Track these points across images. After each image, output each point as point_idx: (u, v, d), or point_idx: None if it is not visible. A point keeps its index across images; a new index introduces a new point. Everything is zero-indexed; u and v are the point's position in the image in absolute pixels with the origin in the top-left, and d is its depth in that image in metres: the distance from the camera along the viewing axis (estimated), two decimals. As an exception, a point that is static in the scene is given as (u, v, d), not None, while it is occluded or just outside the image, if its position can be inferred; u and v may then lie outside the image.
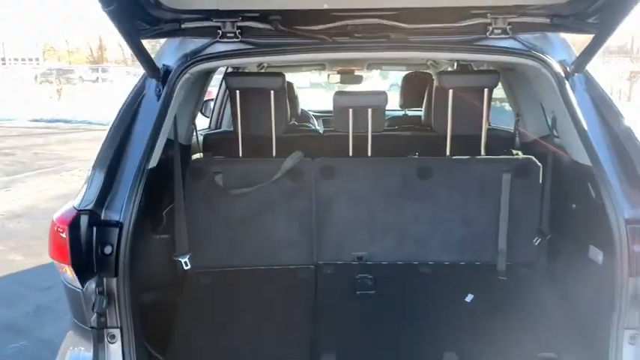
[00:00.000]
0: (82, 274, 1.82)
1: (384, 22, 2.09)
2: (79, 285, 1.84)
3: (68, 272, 1.85)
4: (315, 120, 4.94)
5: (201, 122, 3.70)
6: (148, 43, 2.09)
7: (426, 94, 3.17)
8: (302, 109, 4.79)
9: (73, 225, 1.81)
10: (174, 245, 2.41)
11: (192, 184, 2.61)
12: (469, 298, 2.39)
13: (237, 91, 2.67)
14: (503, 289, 2.47)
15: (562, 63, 2.12)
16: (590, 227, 2.09)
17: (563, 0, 1.94)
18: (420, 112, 3.39)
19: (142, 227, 1.99)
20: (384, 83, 11.36)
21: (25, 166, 9.92)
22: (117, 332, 1.89)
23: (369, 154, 2.78)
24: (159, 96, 2.07)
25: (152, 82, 2.11)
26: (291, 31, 2.10)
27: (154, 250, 2.36)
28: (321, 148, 2.86)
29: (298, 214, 2.68)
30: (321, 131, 3.91)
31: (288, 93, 2.92)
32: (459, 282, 2.50)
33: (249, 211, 2.66)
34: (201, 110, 3.60)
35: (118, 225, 1.86)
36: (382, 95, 2.81)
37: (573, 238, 2.34)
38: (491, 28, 2.10)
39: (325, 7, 1.95)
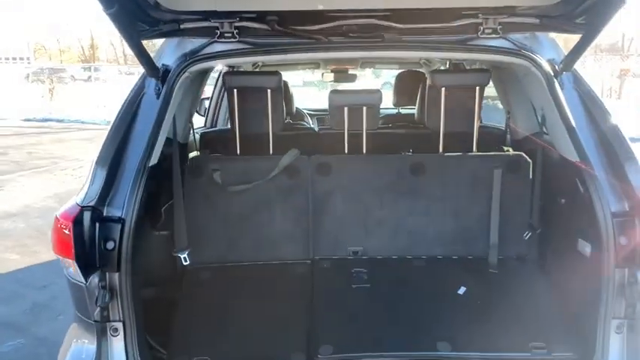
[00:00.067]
0: (86, 269, 1.87)
1: (379, 22, 2.14)
2: (82, 279, 1.88)
3: (72, 267, 1.89)
4: (309, 118, 4.98)
5: (196, 121, 3.73)
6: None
7: (419, 92, 3.22)
8: (297, 108, 4.84)
9: (77, 221, 1.86)
10: (173, 241, 2.45)
11: (191, 182, 2.65)
12: (461, 290, 2.43)
13: (235, 90, 2.71)
14: (494, 282, 2.52)
15: (551, 62, 2.18)
16: (579, 221, 2.15)
17: (551, 1, 2.00)
18: (413, 110, 3.44)
19: (142, 223, 2.03)
20: (376, 82, 11.41)
21: (19, 166, 9.88)
22: (119, 325, 1.94)
23: (364, 151, 2.83)
24: (159, 95, 2.12)
25: (152, 82, 2.15)
26: (287, 31, 2.15)
27: (154, 246, 2.39)
28: (316, 146, 2.89)
29: (295, 211, 2.72)
30: (316, 129, 3.95)
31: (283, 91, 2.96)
32: (452, 275, 2.54)
33: (247, 208, 2.70)
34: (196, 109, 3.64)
35: (120, 221, 1.90)
36: (377, 94, 2.85)
37: (562, 231, 2.40)
38: (482, 28, 2.16)
39: (320, 7, 1.99)
